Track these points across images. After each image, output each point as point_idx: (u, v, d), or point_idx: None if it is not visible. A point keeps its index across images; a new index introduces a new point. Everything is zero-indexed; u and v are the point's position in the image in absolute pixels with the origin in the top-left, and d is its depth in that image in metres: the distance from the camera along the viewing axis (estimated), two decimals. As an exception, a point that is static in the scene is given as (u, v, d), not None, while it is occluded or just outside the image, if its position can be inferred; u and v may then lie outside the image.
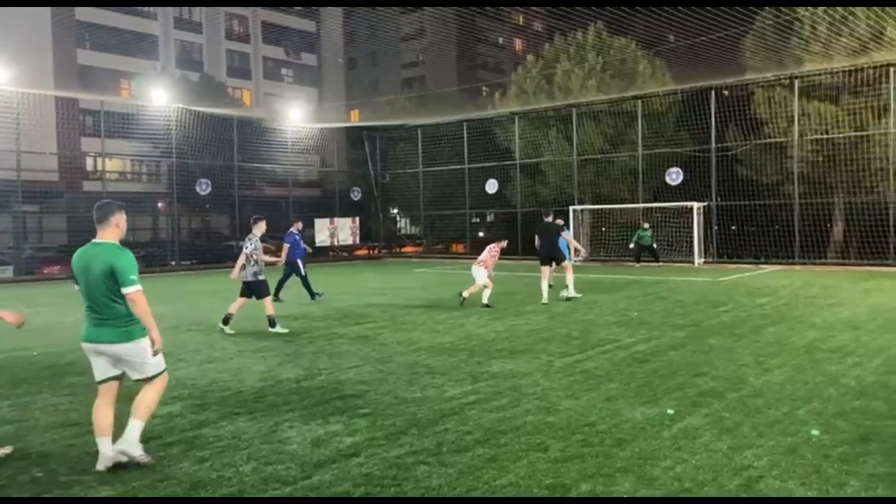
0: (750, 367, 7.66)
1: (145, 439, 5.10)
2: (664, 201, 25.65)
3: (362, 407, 6.33)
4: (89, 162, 34.79)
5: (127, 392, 5.20)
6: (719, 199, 24.73)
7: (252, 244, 11.07)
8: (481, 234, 36.65)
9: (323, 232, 30.72)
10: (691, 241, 24.17)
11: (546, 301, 13.63)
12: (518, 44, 67.54)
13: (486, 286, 13.44)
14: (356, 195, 33.28)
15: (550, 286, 14.09)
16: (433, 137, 32.35)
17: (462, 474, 4.63)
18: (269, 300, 11.12)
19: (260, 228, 11.34)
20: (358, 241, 33.23)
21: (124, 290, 4.74)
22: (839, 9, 22.91)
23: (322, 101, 55.07)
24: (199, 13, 51.63)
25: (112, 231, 4.97)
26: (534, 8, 63.46)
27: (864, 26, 22.22)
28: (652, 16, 26.18)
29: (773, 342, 9.09)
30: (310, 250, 17.56)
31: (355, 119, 43.83)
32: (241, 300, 11.11)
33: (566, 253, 15.03)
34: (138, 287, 4.78)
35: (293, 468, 4.84)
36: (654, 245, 23.96)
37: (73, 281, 5.29)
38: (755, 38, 24.99)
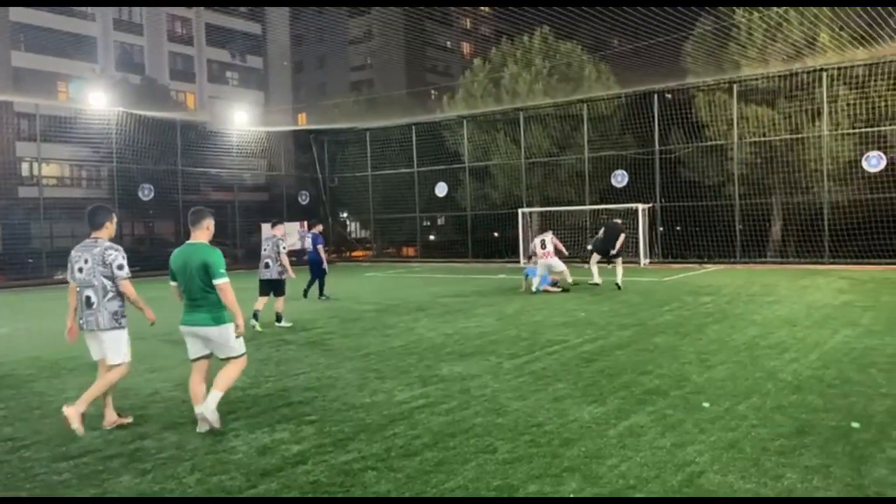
0: (693, 364, 7.84)
1: (83, 453, 4.94)
2: (610, 203, 26.07)
3: (310, 414, 6.25)
4: (25, 167, 33.64)
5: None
6: (663, 201, 25.26)
7: (283, 243, 11.92)
8: (432, 237, 36.70)
9: (269, 236, 30.28)
10: (637, 242, 24.62)
11: (597, 282, 16.55)
12: (466, 47, 67.88)
13: (564, 270, 15.71)
14: (304, 199, 32.94)
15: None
16: (382, 141, 32.26)
17: (410, 479, 4.62)
18: (283, 298, 11.91)
19: (280, 230, 12.21)
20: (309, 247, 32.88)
21: (215, 282, 5.65)
22: (774, 15, 23.70)
23: (268, 105, 54.37)
24: (139, 14, 50.44)
25: (203, 233, 5.93)
26: (481, 12, 63.91)
27: (798, 32, 23.02)
28: (597, 20, 26.61)
29: (715, 340, 9.32)
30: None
31: (303, 122, 43.47)
32: (264, 298, 11.76)
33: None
34: (226, 279, 5.70)
35: (238, 478, 4.75)
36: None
37: (171, 277, 5.94)
38: (696, 43, 25.64)
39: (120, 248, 6.04)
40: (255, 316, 11.45)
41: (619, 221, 17.69)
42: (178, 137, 28.15)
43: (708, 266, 22.85)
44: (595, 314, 12.18)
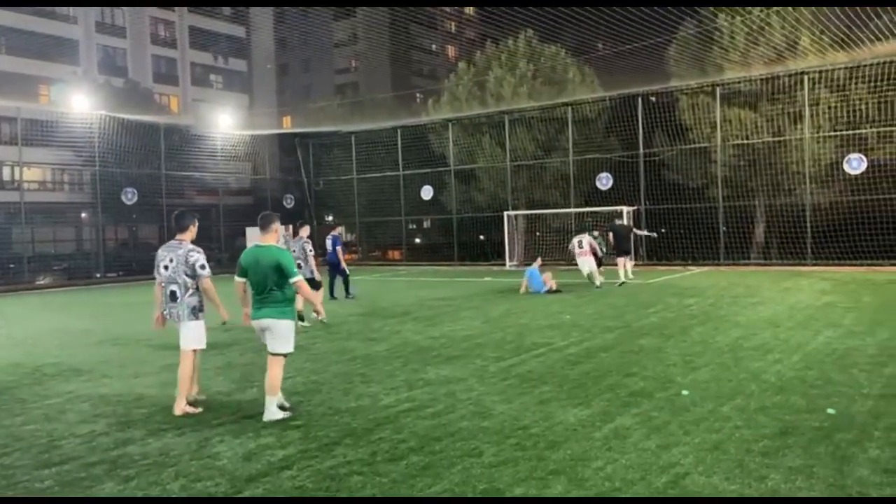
0: (678, 366, 7.88)
1: (65, 460, 4.89)
2: (595, 206, 26.18)
3: (295, 419, 6.23)
4: (6, 171, 33.29)
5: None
6: (648, 203, 25.40)
7: (310, 245, 12.58)
8: (418, 240, 36.67)
9: (254, 241, 30.11)
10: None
11: (623, 280, 17.70)
12: (451, 51, 67.98)
13: (593, 270, 16.92)
14: (289, 202, 32.82)
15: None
16: (367, 144, 32.22)
17: (396, 483, 4.61)
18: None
19: (306, 231, 12.89)
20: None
21: (291, 280, 6.20)
22: (756, 19, 23.92)
23: (253, 108, 54.16)
24: (122, 17, 50.07)
25: (272, 236, 6.45)
26: (466, 15, 64.06)
27: (780, 36, 23.24)
28: (581, 24, 26.74)
29: (699, 342, 9.38)
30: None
31: (287, 125, 43.35)
32: (299, 297, 12.05)
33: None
34: (300, 276, 6.30)
35: (223, 484, 4.72)
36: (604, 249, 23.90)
37: (240, 273, 6.42)
38: (679, 47, 25.82)
39: (201, 250, 6.77)
40: (301, 318, 11.74)
41: (620, 222, 19.19)
42: (161, 141, 27.97)
43: (692, 268, 22.99)
44: (580, 316, 12.22)
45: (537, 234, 28.88)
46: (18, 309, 17.31)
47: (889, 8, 17.99)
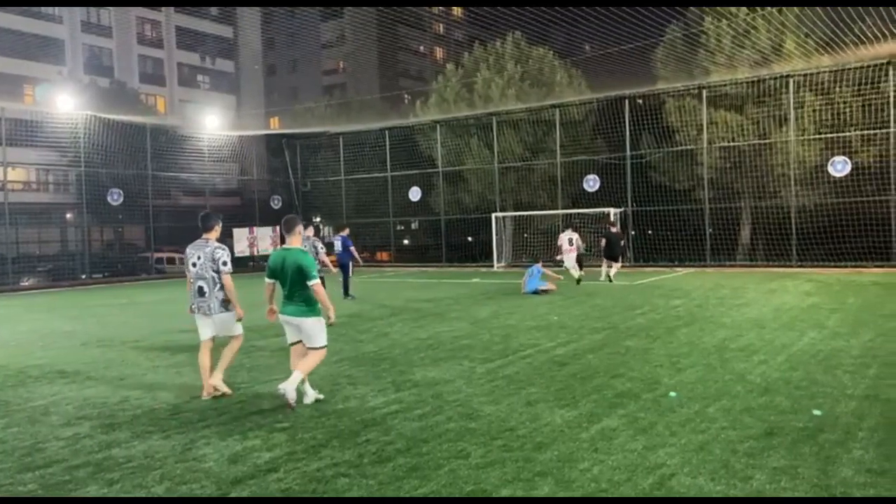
0: (664, 367, 7.91)
1: (48, 463, 4.84)
2: (582, 207, 26.28)
3: (282, 421, 6.20)
4: (-10, 171, 32.92)
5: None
6: (635, 205, 25.51)
7: (320, 244, 13.56)
8: (406, 241, 36.64)
9: (242, 242, 30.02)
10: (609, 246, 24.79)
11: (603, 279, 18.89)
12: (439, 52, 68.00)
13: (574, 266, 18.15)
14: (277, 204, 32.69)
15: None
16: (355, 145, 32.16)
17: (383, 485, 4.60)
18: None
19: (310, 230, 13.62)
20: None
21: (308, 283, 6.53)
22: (742, 22, 24.09)
23: (240, 109, 53.94)
24: (108, 17, 49.75)
25: (297, 238, 6.81)
26: (453, 17, 64.08)
27: (766, 39, 23.42)
28: (569, 26, 26.86)
29: (685, 343, 9.43)
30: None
31: (275, 126, 43.21)
32: None
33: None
34: (318, 280, 6.62)
35: (209, 486, 4.69)
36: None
37: (270, 275, 6.83)
38: (665, 50, 25.96)
39: (226, 248, 7.34)
40: None
41: (615, 230, 19.72)
42: (147, 141, 27.78)
43: (679, 269, 23.10)
44: (567, 318, 12.25)
45: (525, 235, 28.94)
46: (2, 310, 17.14)
47: (872, 12, 18.15)
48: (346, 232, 17.91)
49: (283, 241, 12.04)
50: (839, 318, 11.24)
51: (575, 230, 19.63)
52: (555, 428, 5.70)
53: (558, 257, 19.29)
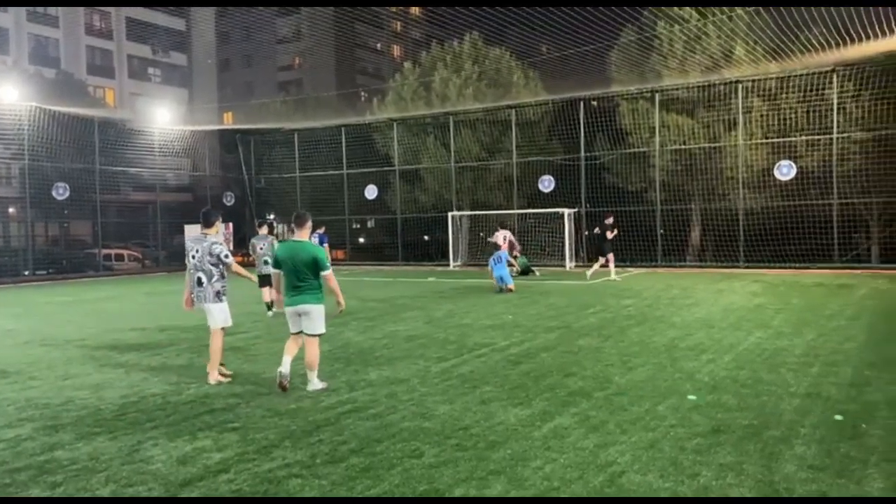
0: (615, 366, 8.03)
1: (-13, 467, 4.67)
2: (538, 207, 26.50)
3: (233, 421, 6.11)
4: (-73, 163, 31.68)
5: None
6: (589, 206, 25.83)
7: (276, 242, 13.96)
8: (361, 240, 36.44)
9: (199, 241, 29.42)
10: (563, 246, 25.10)
11: (589, 279, 19.15)
12: (396, 50, 67.79)
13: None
14: (230, 200, 32.18)
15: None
16: (310, 142, 31.83)
17: (336, 485, 4.57)
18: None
19: (264, 229, 14.20)
20: (232, 248, 32.19)
21: (323, 273, 7.13)
22: (693, 28, 24.59)
23: (193, 103, 52.90)
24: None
25: (306, 232, 7.37)
26: (412, 15, 63.93)
27: (716, 45, 23.96)
28: (526, 27, 27.02)
29: (636, 342, 9.59)
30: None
31: (229, 122, 42.48)
32: (266, 289, 13.34)
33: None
34: (331, 270, 7.22)
35: (156, 488, 4.59)
36: (530, 267, 23.83)
37: (276, 266, 7.33)
38: (620, 53, 26.35)
39: (223, 241, 7.89)
40: (270, 307, 13.36)
41: (604, 226, 19.70)
42: (95, 135, 27.05)
43: (630, 270, 23.46)
44: (522, 317, 12.34)
45: (481, 234, 29.04)
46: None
47: (818, 21, 18.72)
48: (322, 229, 18.48)
49: (264, 231, 13.40)
50: (784, 318, 11.56)
51: (505, 228, 19.80)
52: (508, 426, 5.73)
53: (515, 253, 19.52)
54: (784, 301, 13.87)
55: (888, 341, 9.28)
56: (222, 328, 7.80)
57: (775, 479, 4.50)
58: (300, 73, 63.70)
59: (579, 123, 25.85)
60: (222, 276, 7.79)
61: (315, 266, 7.12)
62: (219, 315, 7.77)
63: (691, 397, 6.49)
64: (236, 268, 7.90)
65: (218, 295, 7.74)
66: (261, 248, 13.85)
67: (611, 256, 19.49)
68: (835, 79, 21.77)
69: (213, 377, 7.66)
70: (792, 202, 22.56)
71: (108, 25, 51.96)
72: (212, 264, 7.69)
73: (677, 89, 24.74)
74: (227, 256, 7.74)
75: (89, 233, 31.30)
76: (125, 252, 31.25)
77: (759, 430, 5.49)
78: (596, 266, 19.72)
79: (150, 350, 9.87)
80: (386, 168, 30.37)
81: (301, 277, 7.10)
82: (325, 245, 17.83)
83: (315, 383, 7.20)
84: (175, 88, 54.30)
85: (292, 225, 7.49)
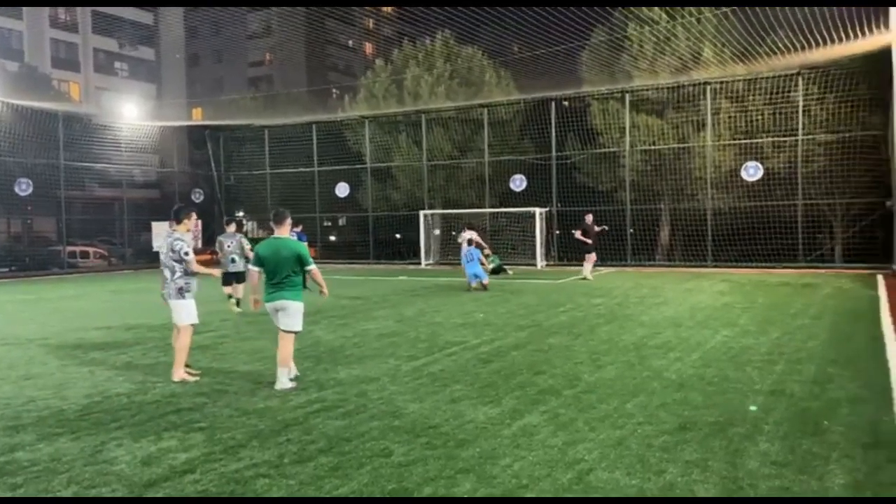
0: (585, 364, 8.09)
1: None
2: (509, 206, 26.60)
3: (200, 420, 6.03)
4: None
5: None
6: (560, 205, 25.99)
7: (246, 241, 14.05)
8: (332, 238, 36.23)
9: (161, 236, 29.02)
10: (534, 245, 25.22)
11: (587, 278, 19.34)
12: (368, 47, 67.49)
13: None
14: (198, 197, 31.75)
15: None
16: (281, 139, 31.56)
17: (304, 485, 4.53)
18: (243, 286, 13.28)
19: (232, 227, 14.14)
20: (200, 246, 31.75)
21: (308, 268, 7.25)
22: (663, 30, 24.87)
23: (161, 98, 52.14)
24: (19, -3, 47.22)
25: (286, 228, 7.43)
26: (384, 13, 63.68)
27: (685, 47, 24.25)
28: (498, 26, 27.07)
29: (606, 340, 9.67)
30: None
31: (198, 117, 41.90)
32: (228, 287, 13.70)
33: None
34: (314, 265, 7.34)
35: (120, 489, 4.52)
36: (502, 266, 23.84)
37: (257, 263, 7.31)
38: (591, 54, 26.54)
39: (185, 238, 7.74)
40: (238, 303, 13.45)
41: (589, 223, 19.73)
42: (60, 129, 26.52)
43: (600, 268, 23.65)
44: (493, 315, 12.37)
45: (453, 233, 29.04)
46: None
47: (784, 24, 19.05)
48: (300, 227, 18.59)
49: (232, 228, 13.44)
50: (750, 316, 11.74)
51: (473, 228, 19.78)
52: (478, 425, 5.74)
53: (486, 252, 19.59)
54: (750, 300, 14.09)
55: (850, 339, 9.47)
56: (190, 325, 7.74)
57: (739, 476, 4.57)
58: (271, 69, 63.11)
59: (551, 123, 26.00)
60: (186, 273, 7.68)
61: (298, 262, 7.22)
62: (182, 312, 7.71)
63: (752, 408, 6.09)
64: (195, 266, 7.74)
65: (180, 291, 7.65)
66: (228, 246, 13.78)
67: (593, 255, 19.66)
68: (800, 81, 22.17)
69: (178, 375, 7.59)
70: (758, 203, 22.93)
71: (73, 18, 50.98)
72: (174, 261, 7.61)
73: (647, 90, 25.00)
74: (186, 254, 7.63)
75: (53, 230, 30.68)
76: (91, 249, 30.69)
77: (724, 427, 5.56)
78: (588, 266, 19.69)
79: (116, 349, 9.71)
80: (357, 166, 30.24)
81: (282, 274, 7.16)
82: (305, 242, 17.79)
83: (284, 382, 7.15)
84: (142, 83, 53.46)
85: (271, 223, 7.50)
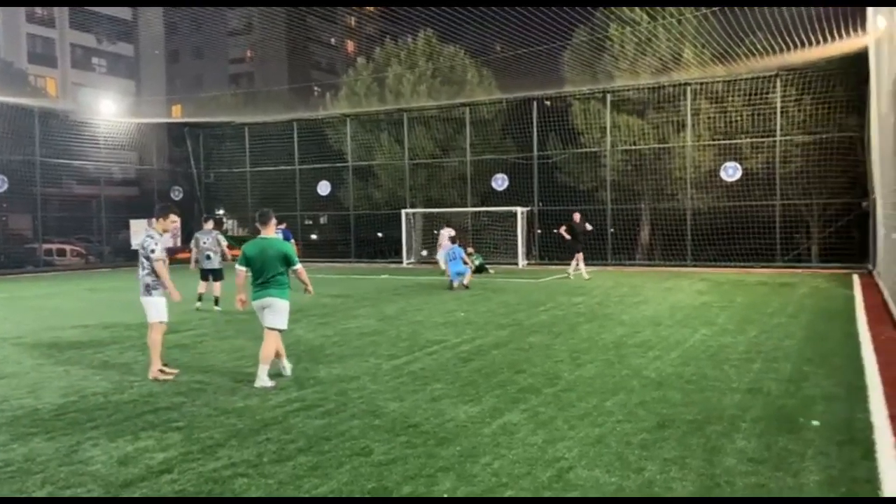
0: (565, 363, 8.12)
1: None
2: (491, 206, 26.63)
3: (177, 420, 5.98)
4: None
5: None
6: (541, 205, 26.07)
7: (223, 238, 13.99)
8: (314, 236, 36.07)
9: (140, 234, 28.66)
10: (516, 244, 25.28)
11: (570, 276, 19.66)
12: (350, 45, 67.21)
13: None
14: (177, 195, 31.47)
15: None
16: (262, 136, 31.36)
17: (283, 484, 4.51)
18: (220, 283, 13.55)
19: (210, 224, 14.26)
20: (179, 244, 31.48)
21: (294, 268, 7.32)
22: (644, 30, 25.03)
23: (140, 95, 51.60)
24: (-6, -9, 46.52)
25: (271, 229, 7.49)
26: (366, 11, 63.46)
27: (666, 48, 24.42)
28: (480, 25, 27.07)
29: (586, 339, 9.71)
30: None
31: (177, 114, 41.55)
32: (205, 283, 13.65)
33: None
34: (300, 265, 7.40)
35: (96, 490, 4.46)
36: (484, 265, 23.86)
37: (243, 262, 7.31)
38: (572, 54, 26.64)
39: (156, 236, 7.70)
40: (200, 298, 13.49)
41: (576, 220, 19.81)
42: (36, 126, 26.16)
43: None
44: (474, 314, 12.38)
45: (435, 232, 29.03)
46: None
47: (763, 26, 19.23)
48: (284, 225, 18.75)
49: (210, 225, 13.46)
50: (728, 315, 11.85)
51: (451, 226, 19.92)
52: (458, 423, 5.74)
53: (469, 250, 19.74)
54: (729, 299, 14.22)
55: (825, 338, 9.59)
56: (159, 322, 7.73)
57: (717, 473, 4.60)
58: (251, 66, 62.63)
59: (532, 123, 26.07)
60: (154, 271, 7.67)
61: (285, 261, 7.28)
62: (151, 309, 7.72)
63: (815, 423, 5.65)
64: (158, 267, 7.63)
65: (147, 289, 7.68)
66: (204, 243, 13.75)
67: (580, 255, 19.67)
68: (778, 83, 22.40)
69: (153, 372, 7.59)
70: (737, 203, 23.15)
71: (49, 12, 50.27)
72: (144, 257, 7.68)
73: (628, 90, 25.15)
74: (153, 251, 7.62)
75: (29, 227, 30.27)
76: (67, 247, 30.31)
77: (702, 425, 5.60)
78: (581, 265, 19.65)
79: (93, 348, 9.60)
80: (339, 164, 30.12)
81: (269, 273, 7.22)
82: (291, 240, 17.77)
83: (264, 380, 7.13)
84: (121, 79, 52.87)
85: (257, 224, 7.55)
